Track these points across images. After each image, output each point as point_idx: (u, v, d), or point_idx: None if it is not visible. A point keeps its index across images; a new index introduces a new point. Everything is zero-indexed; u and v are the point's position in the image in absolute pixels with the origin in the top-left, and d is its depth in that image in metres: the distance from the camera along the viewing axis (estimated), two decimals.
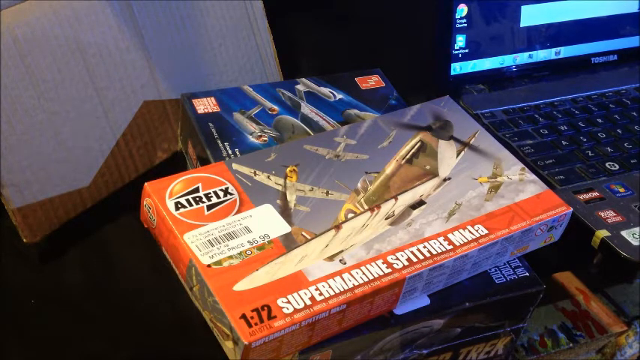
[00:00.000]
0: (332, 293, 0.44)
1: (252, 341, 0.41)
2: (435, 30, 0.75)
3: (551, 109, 0.74)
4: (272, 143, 0.58)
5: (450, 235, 0.50)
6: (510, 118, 0.72)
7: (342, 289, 0.45)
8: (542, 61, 0.79)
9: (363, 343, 0.48)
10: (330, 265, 0.46)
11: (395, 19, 0.84)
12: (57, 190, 0.59)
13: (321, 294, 0.44)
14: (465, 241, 0.50)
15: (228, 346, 0.43)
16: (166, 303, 0.58)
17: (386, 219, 0.51)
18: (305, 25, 0.82)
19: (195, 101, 0.60)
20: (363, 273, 0.46)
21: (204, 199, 0.49)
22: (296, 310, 0.43)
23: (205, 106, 0.60)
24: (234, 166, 0.52)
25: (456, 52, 0.74)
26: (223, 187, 0.50)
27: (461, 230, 0.50)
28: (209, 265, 0.45)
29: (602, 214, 0.60)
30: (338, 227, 0.49)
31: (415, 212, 0.51)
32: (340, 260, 0.47)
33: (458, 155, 0.57)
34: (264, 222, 0.48)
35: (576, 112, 0.74)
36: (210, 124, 0.58)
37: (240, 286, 0.44)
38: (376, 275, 0.46)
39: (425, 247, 0.49)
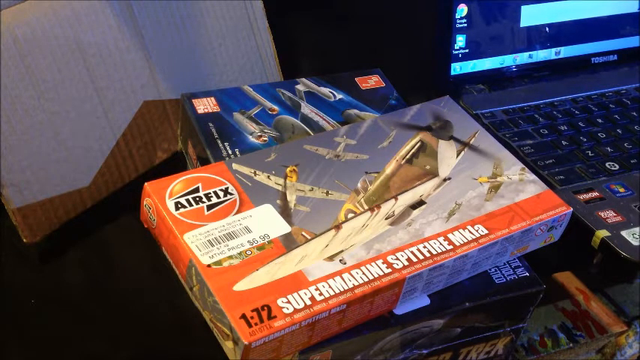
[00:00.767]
0: (332, 293, 0.44)
1: (252, 341, 0.41)
2: (435, 30, 0.75)
3: (551, 109, 0.74)
4: (272, 143, 0.58)
5: (450, 235, 0.50)
6: (510, 118, 0.72)
7: (342, 289, 0.45)
8: (542, 61, 0.79)
9: (363, 343, 0.48)
10: (330, 265, 0.46)
11: (395, 19, 0.84)
12: (57, 190, 0.59)
13: (321, 294, 0.44)
14: (465, 241, 0.50)
15: (228, 346, 0.43)
16: (166, 303, 0.58)
17: (386, 219, 0.51)
18: (305, 25, 0.82)
19: (195, 101, 0.60)
20: (363, 273, 0.46)
21: (204, 199, 0.49)
22: (296, 310, 0.43)
23: (205, 106, 0.60)
24: (234, 166, 0.52)
25: (456, 52, 0.74)
26: (223, 187, 0.50)
27: (461, 230, 0.50)
28: (209, 265, 0.45)
29: (602, 214, 0.60)
30: (338, 227, 0.49)
31: (415, 212, 0.51)
32: (340, 260, 0.47)
33: (458, 155, 0.57)
34: (264, 222, 0.48)
35: (576, 112, 0.74)
36: (210, 124, 0.58)
37: (240, 286, 0.44)
38: (376, 275, 0.46)
39: (425, 247, 0.49)
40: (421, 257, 0.48)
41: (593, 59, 0.81)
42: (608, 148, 0.69)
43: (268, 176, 0.52)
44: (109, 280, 0.60)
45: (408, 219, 0.51)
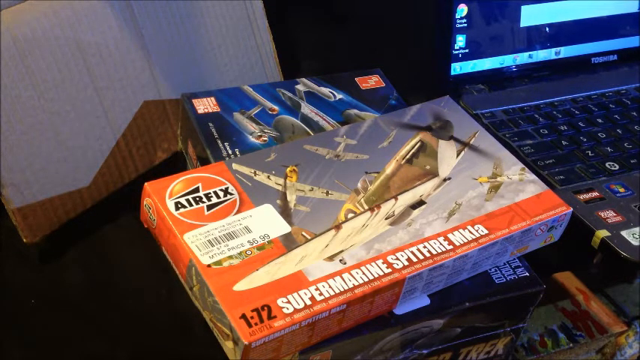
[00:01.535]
0: (332, 293, 0.44)
1: (252, 341, 0.41)
2: (435, 30, 0.75)
3: (551, 109, 0.74)
4: (272, 143, 0.58)
5: (450, 235, 0.50)
6: (510, 118, 0.72)
7: (342, 289, 0.45)
8: (542, 61, 0.79)
9: (363, 343, 0.48)
10: (330, 265, 0.46)
11: (395, 19, 0.84)
12: (57, 190, 0.59)
13: (321, 294, 0.44)
14: (465, 241, 0.50)
15: (228, 346, 0.43)
16: (166, 303, 0.58)
17: (386, 219, 0.51)
18: (305, 25, 0.82)
19: (195, 101, 0.60)
20: (363, 273, 0.46)
21: (204, 199, 0.49)
22: (296, 310, 0.43)
23: (205, 106, 0.60)
24: (234, 166, 0.52)
25: (456, 52, 0.74)
26: (223, 187, 0.50)
27: (461, 230, 0.50)
28: (209, 265, 0.45)
29: (602, 214, 0.60)
30: (338, 227, 0.49)
31: (415, 212, 0.51)
32: (340, 260, 0.47)
33: (458, 155, 0.57)
34: (264, 222, 0.48)
35: (576, 112, 0.74)
36: (210, 124, 0.58)
37: (240, 286, 0.44)
38: (376, 275, 0.46)
39: (425, 247, 0.49)
40: (421, 257, 0.48)
41: (593, 59, 0.81)
42: (608, 148, 0.69)
43: (268, 176, 0.52)
44: (109, 280, 0.60)
45: (408, 219, 0.51)
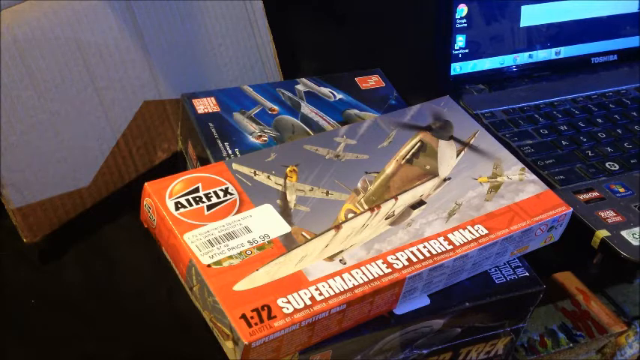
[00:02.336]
0: (332, 293, 0.44)
1: (252, 341, 0.41)
2: (435, 30, 0.75)
3: (551, 109, 0.74)
4: (272, 143, 0.58)
5: (450, 235, 0.50)
6: (510, 118, 0.72)
7: (342, 289, 0.45)
8: (542, 61, 0.79)
9: (363, 343, 0.48)
10: (330, 265, 0.46)
11: (395, 19, 0.84)
12: (57, 190, 0.59)
13: (321, 294, 0.44)
14: (465, 241, 0.50)
15: (228, 346, 0.43)
16: (166, 303, 0.58)
17: (386, 219, 0.51)
18: (305, 25, 0.82)
19: (195, 101, 0.60)
20: (363, 273, 0.46)
21: (204, 199, 0.49)
22: (296, 310, 0.43)
23: (205, 106, 0.60)
24: (234, 166, 0.52)
25: (456, 52, 0.74)
26: (223, 187, 0.50)
27: (461, 230, 0.50)
28: (209, 265, 0.45)
29: (602, 214, 0.60)
30: (338, 227, 0.49)
31: (415, 212, 0.51)
32: (340, 260, 0.47)
33: (458, 155, 0.57)
34: (264, 222, 0.48)
35: (576, 112, 0.74)
36: (210, 124, 0.58)
37: (240, 286, 0.44)
38: (376, 275, 0.46)
39: (425, 247, 0.49)
40: (421, 257, 0.48)
41: (593, 59, 0.81)
42: (608, 148, 0.69)
43: (268, 176, 0.52)
44: (109, 279, 0.60)
45: (408, 219, 0.51)
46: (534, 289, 0.52)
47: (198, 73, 0.66)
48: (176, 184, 0.49)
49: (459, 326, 0.51)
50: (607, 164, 0.67)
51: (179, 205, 0.48)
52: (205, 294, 0.44)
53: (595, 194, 0.63)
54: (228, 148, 0.57)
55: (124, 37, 0.60)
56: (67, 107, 0.58)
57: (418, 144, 0.57)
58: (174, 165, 0.65)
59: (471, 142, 0.58)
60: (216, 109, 0.60)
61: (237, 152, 0.56)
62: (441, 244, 0.49)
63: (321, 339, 0.46)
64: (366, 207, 0.51)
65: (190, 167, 0.62)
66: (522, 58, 0.78)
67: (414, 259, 0.48)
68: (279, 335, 0.42)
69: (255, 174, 0.52)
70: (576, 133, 0.71)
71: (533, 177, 0.56)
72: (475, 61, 0.76)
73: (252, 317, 0.42)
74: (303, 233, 0.48)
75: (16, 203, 0.56)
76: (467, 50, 0.75)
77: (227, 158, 0.56)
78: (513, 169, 0.56)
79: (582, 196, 0.62)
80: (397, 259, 0.47)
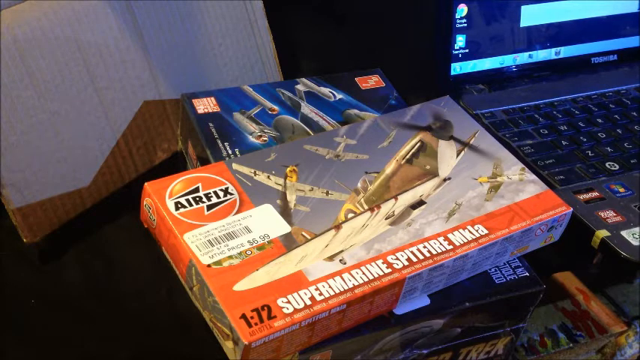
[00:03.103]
0: (332, 293, 0.44)
1: (252, 341, 0.41)
2: (435, 30, 0.75)
3: (551, 109, 0.74)
4: (272, 143, 0.58)
5: (450, 235, 0.50)
6: (510, 118, 0.72)
7: (342, 289, 0.45)
8: (542, 61, 0.79)
9: (363, 343, 0.48)
10: (330, 265, 0.46)
11: (395, 19, 0.84)
12: (57, 190, 0.59)
13: (321, 294, 0.44)
14: (465, 241, 0.50)
15: (228, 346, 0.43)
16: (166, 303, 0.58)
17: (386, 219, 0.51)
18: (305, 25, 0.82)
19: (195, 101, 0.60)
20: (363, 273, 0.46)
21: (204, 199, 0.49)
22: (296, 310, 0.43)
23: (205, 106, 0.60)
24: (234, 166, 0.52)
25: (456, 52, 0.74)
26: (223, 187, 0.50)
27: (461, 230, 0.50)
28: (209, 265, 0.45)
29: (602, 214, 0.60)
30: (338, 227, 0.49)
31: (415, 212, 0.51)
32: (340, 260, 0.47)
33: (458, 155, 0.57)
34: (264, 222, 0.48)
35: (576, 112, 0.74)
36: (210, 124, 0.58)
37: (240, 286, 0.44)
38: (376, 275, 0.46)
39: (425, 247, 0.49)
40: (421, 257, 0.48)
41: (593, 59, 0.81)
42: (608, 148, 0.69)
43: (268, 176, 0.52)
44: (109, 280, 0.60)
45: (408, 219, 0.51)
46: (534, 289, 0.52)
47: (198, 73, 0.66)
48: (176, 184, 0.49)
49: (459, 326, 0.51)
50: (607, 164, 0.67)
51: (179, 205, 0.48)
52: (205, 294, 0.44)
53: (595, 194, 0.63)
54: (228, 148, 0.57)
55: (124, 37, 0.60)
56: (67, 107, 0.58)
57: (418, 144, 0.57)
58: (175, 165, 0.65)
59: (471, 142, 0.58)
60: (216, 109, 0.60)
61: (237, 152, 0.56)
62: (441, 244, 0.49)
63: (321, 339, 0.46)
64: (366, 207, 0.51)
65: (190, 167, 0.62)
66: (522, 58, 0.78)
67: (414, 259, 0.48)
68: (279, 335, 0.42)
69: (255, 174, 0.52)
70: (576, 133, 0.71)
71: (533, 177, 0.56)
72: (475, 61, 0.76)
73: (252, 317, 0.42)
74: (303, 233, 0.48)
75: (16, 203, 0.56)
76: (467, 50, 0.75)
77: (227, 158, 0.56)
78: (513, 169, 0.56)
79: (582, 196, 0.62)
80: (397, 259, 0.47)
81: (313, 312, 0.43)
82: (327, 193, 0.52)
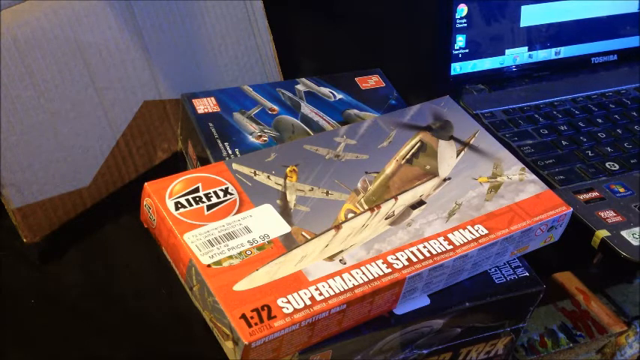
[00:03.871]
0: (332, 293, 0.44)
1: (252, 341, 0.41)
2: (435, 30, 0.75)
3: (551, 109, 0.74)
4: (272, 143, 0.58)
5: (450, 235, 0.50)
6: (510, 118, 0.72)
7: (342, 289, 0.45)
8: (542, 61, 0.79)
9: (363, 343, 0.48)
10: (330, 265, 0.46)
11: (395, 19, 0.84)
12: (57, 190, 0.59)
13: (321, 294, 0.44)
14: (465, 241, 0.50)
15: (228, 346, 0.43)
16: (166, 303, 0.58)
17: (386, 219, 0.51)
18: (305, 25, 0.82)
19: (195, 101, 0.60)
20: (363, 273, 0.46)
21: (204, 199, 0.49)
22: (296, 310, 0.43)
23: (205, 106, 0.60)
24: (234, 166, 0.52)
25: (456, 52, 0.74)
26: (223, 187, 0.50)
27: (461, 230, 0.50)
28: (209, 265, 0.45)
29: (602, 214, 0.60)
30: (338, 227, 0.49)
31: (415, 212, 0.51)
32: (340, 260, 0.47)
33: (458, 155, 0.57)
34: (264, 222, 0.48)
35: (576, 112, 0.74)
36: (210, 124, 0.58)
37: (240, 286, 0.44)
38: (376, 275, 0.46)
39: (425, 247, 0.49)
40: (421, 257, 0.48)
41: (593, 59, 0.81)
42: (608, 148, 0.69)
43: (268, 176, 0.52)
44: (109, 279, 0.60)
45: (408, 219, 0.51)
46: (534, 289, 0.52)
47: (198, 73, 0.66)
48: (176, 184, 0.49)
49: (459, 326, 0.51)
50: (607, 164, 0.67)
51: (179, 205, 0.48)
52: (205, 294, 0.44)
53: (595, 194, 0.63)
54: (228, 148, 0.57)
55: (124, 37, 0.60)
56: (67, 107, 0.58)
57: (418, 144, 0.57)
58: (175, 165, 0.65)
59: (471, 142, 0.58)
60: (216, 109, 0.60)
61: (237, 152, 0.56)
62: (441, 244, 0.49)
63: (321, 339, 0.46)
64: (366, 207, 0.51)
65: (190, 167, 0.62)
66: (522, 58, 0.78)
67: (414, 259, 0.48)
68: (279, 335, 0.42)
69: (255, 174, 0.52)
70: (576, 133, 0.71)
71: (533, 177, 0.56)
72: (475, 61, 0.76)
73: (252, 317, 0.42)
74: (303, 233, 0.48)
75: (16, 203, 0.56)
76: (467, 50, 0.75)
77: (227, 158, 0.56)
78: (513, 169, 0.56)
79: (582, 196, 0.62)
80: (397, 259, 0.47)
81: (313, 312, 0.43)
82: (327, 193, 0.52)
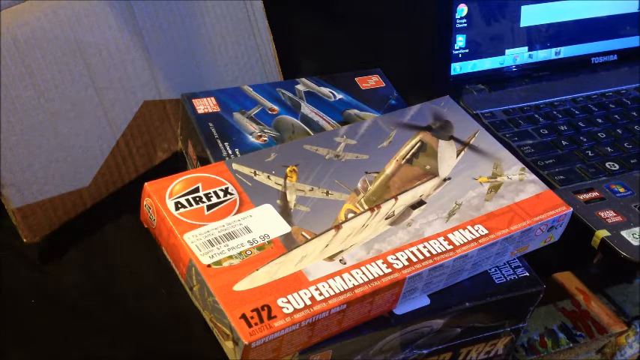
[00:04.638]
0: (332, 293, 0.44)
1: (252, 341, 0.41)
2: (435, 30, 0.75)
3: (551, 109, 0.74)
4: (272, 143, 0.58)
5: (450, 235, 0.50)
6: (510, 118, 0.72)
7: (342, 289, 0.45)
8: (542, 61, 0.79)
9: (363, 343, 0.48)
10: (330, 265, 0.46)
11: (395, 19, 0.84)
12: (57, 190, 0.59)
13: (321, 294, 0.44)
14: (465, 241, 0.50)
15: (228, 346, 0.43)
16: (166, 303, 0.58)
17: (386, 219, 0.51)
18: (305, 25, 0.82)
19: (195, 101, 0.60)
20: (363, 273, 0.46)
21: (204, 199, 0.49)
22: (296, 310, 0.43)
23: (205, 106, 0.60)
24: (234, 166, 0.52)
25: (456, 52, 0.74)
26: (223, 187, 0.50)
27: (461, 230, 0.50)
28: (209, 265, 0.45)
29: (602, 214, 0.60)
30: (338, 227, 0.49)
31: (415, 212, 0.51)
32: (340, 260, 0.47)
33: (458, 155, 0.57)
34: (264, 222, 0.48)
35: (576, 112, 0.74)
36: (210, 124, 0.58)
37: (240, 286, 0.44)
38: (376, 275, 0.46)
39: (425, 247, 0.49)
40: (421, 257, 0.48)
41: (593, 59, 0.81)
42: (608, 148, 0.69)
43: (268, 176, 0.52)
44: (109, 279, 0.60)
45: (408, 219, 0.51)
46: (534, 289, 0.52)
47: (198, 73, 0.66)
48: (176, 184, 0.49)
49: (459, 326, 0.51)
50: (607, 164, 0.67)
51: (179, 205, 0.48)
52: (205, 294, 0.44)
53: (595, 194, 0.63)
54: (228, 148, 0.57)
55: (124, 37, 0.60)
56: (67, 107, 0.58)
57: (418, 144, 0.57)
58: (175, 165, 0.65)
59: (471, 142, 0.58)
60: (216, 109, 0.60)
61: (237, 152, 0.56)
62: (441, 244, 0.49)
63: (321, 339, 0.46)
64: (366, 207, 0.51)
65: (190, 167, 0.62)
66: (522, 58, 0.78)
67: (414, 259, 0.48)
68: (279, 335, 0.42)
69: (255, 174, 0.52)
70: (576, 133, 0.71)
71: (533, 177, 0.56)
72: (475, 61, 0.76)
73: (252, 317, 0.42)
74: (303, 233, 0.48)
75: (16, 203, 0.56)
76: (467, 50, 0.75)
77: (227, 158, 0.56)
78: (513, 169, 0.56)
79: (582, 196, 0.62)
80: (397, 259, 0.47)
81: (313, 312, 0.43)
82: (327, 193, 0.52)
